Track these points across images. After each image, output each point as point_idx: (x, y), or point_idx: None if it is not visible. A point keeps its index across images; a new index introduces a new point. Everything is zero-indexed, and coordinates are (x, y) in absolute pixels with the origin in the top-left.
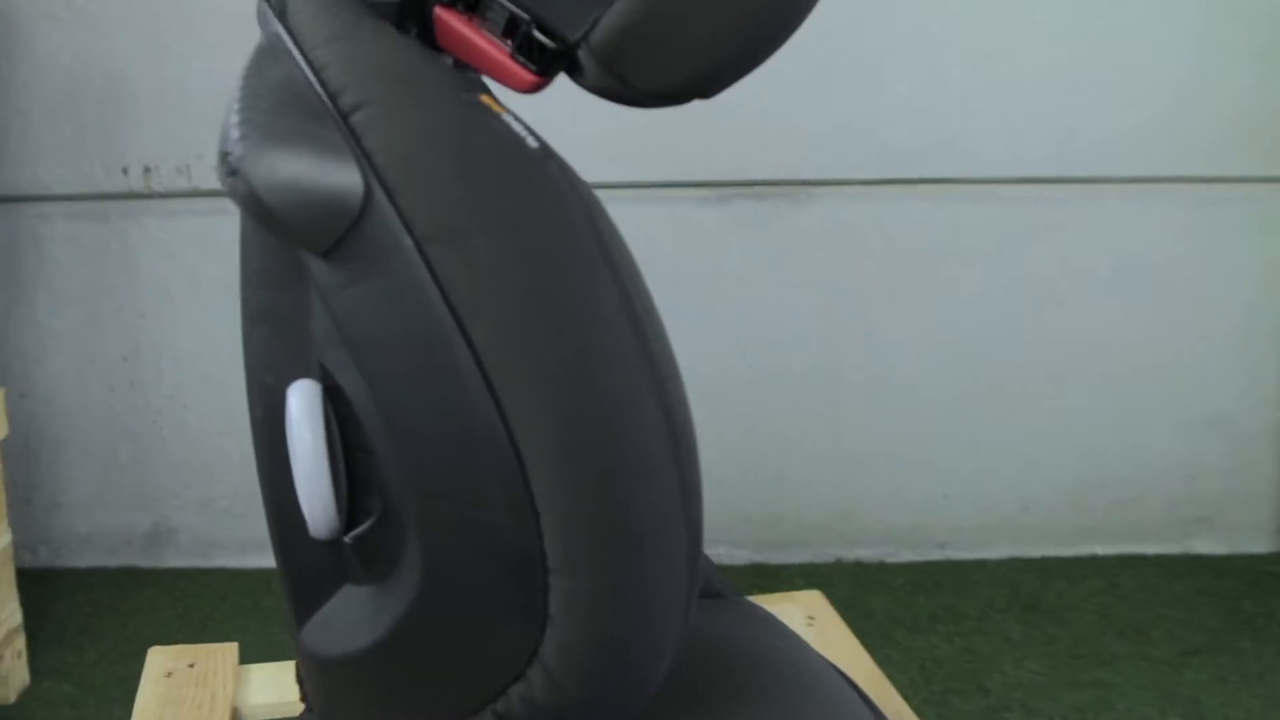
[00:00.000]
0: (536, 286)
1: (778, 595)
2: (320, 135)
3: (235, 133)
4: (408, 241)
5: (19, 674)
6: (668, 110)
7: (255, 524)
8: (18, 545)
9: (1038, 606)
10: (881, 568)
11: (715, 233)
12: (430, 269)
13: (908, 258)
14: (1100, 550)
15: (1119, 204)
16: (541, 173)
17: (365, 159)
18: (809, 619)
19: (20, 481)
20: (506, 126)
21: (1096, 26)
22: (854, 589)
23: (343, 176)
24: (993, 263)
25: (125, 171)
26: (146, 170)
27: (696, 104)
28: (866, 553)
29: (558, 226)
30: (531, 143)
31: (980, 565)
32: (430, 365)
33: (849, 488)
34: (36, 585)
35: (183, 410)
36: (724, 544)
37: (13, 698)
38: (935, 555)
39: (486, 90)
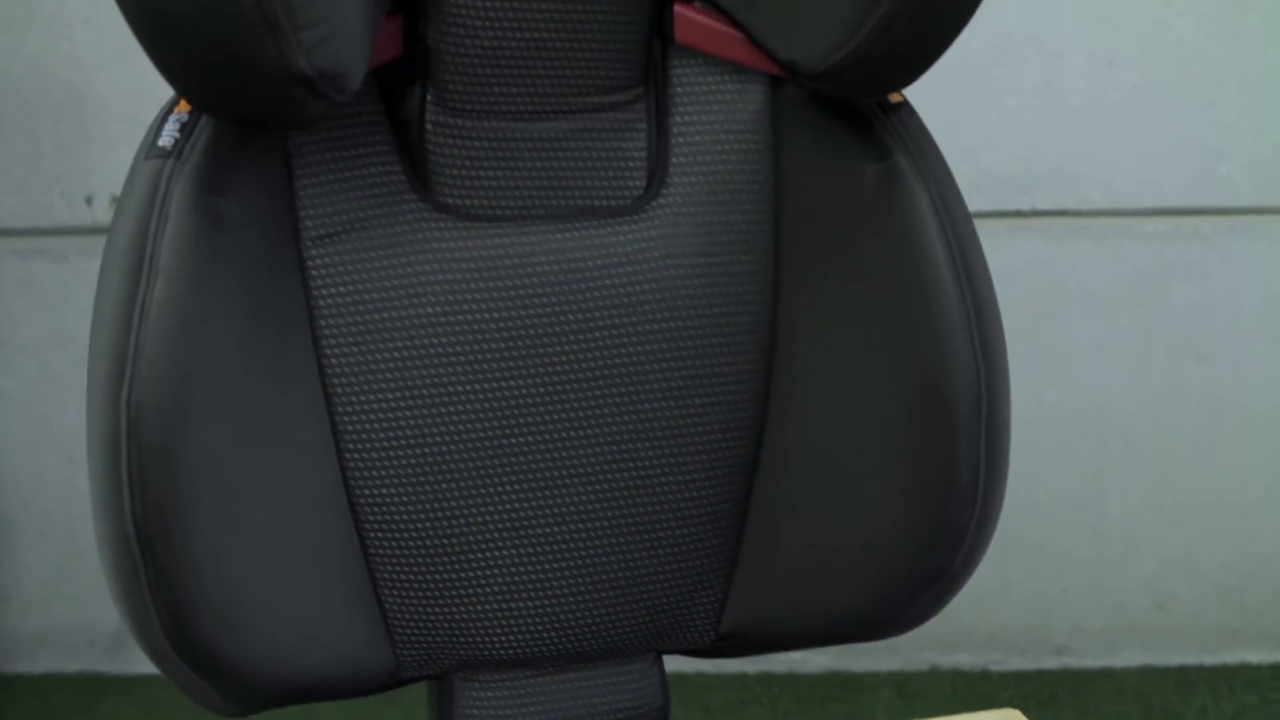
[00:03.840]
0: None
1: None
2: None
3: None
4: None
5: None
6: None
7: None
8: None
9: None
10: (985, 677)
11: None
12: None
13: (1016, 305)
14: (1253, 658)
15: (1276, 241)
16: (140, 174)
17: None
18: None
19: None
20: (161, 127)
21: (1248, 25)
22: (952, 703)
23: None
24: (1121, 311)
25: (89, 201)
26: (114, 200)
27: None
28: (967, 659)
29: (120, 229)
30: (163, 140)
31: (1106, 675)
32: None
33: None
34: None
35: None
36: None
37: None
38: (1051, 663)
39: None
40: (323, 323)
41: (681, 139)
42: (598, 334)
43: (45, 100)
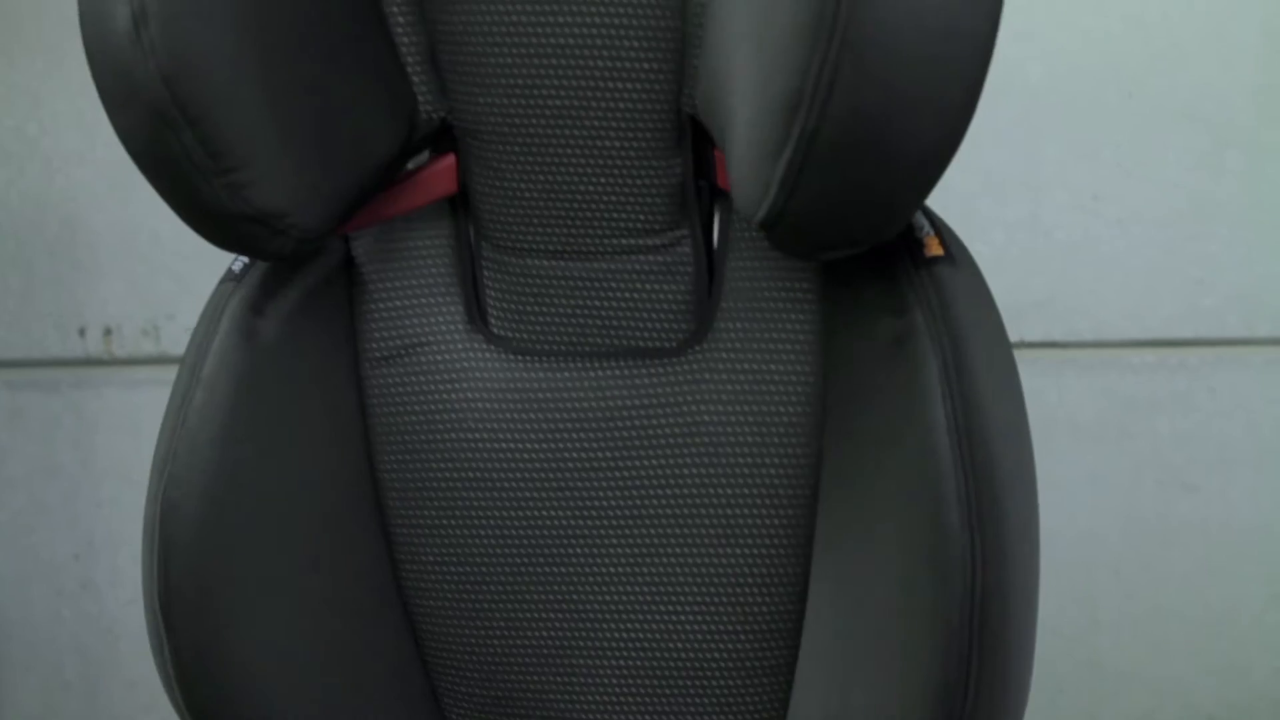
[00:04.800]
0: None
1: None
2: None
3: None
4: None
5: None
6: None
7: None
8: None
9: None
10: None
11: None
12: None
13: None
14: None
15: (1262, 371)
16: (212, 297)
17: None
18: None
19: None
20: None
21: (1231, 159)
22: None
23: None
24: (1109, 441)
25: (82, 333)
26: (107, 332)
27: None
28: None
29: (188, 346)
30: (235, 265)
31: None
32: None
33: None
34: None
35: (143, 619)
36: None
37: None
38: None
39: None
40: (377, 439)
41: (733, 284)
42: (627, 474)
43: (40, 233)
